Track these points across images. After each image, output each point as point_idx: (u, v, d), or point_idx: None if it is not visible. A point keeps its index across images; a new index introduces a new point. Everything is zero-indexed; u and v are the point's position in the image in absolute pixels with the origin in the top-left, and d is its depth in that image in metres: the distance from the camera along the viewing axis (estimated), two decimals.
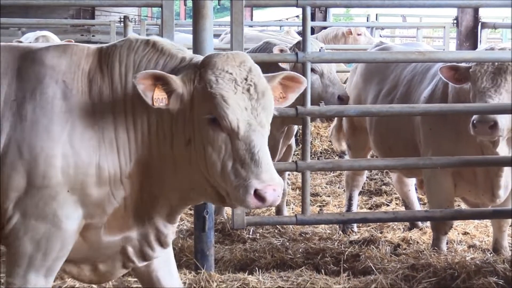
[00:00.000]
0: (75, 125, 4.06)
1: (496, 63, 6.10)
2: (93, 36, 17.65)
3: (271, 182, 3.82)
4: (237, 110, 3.89)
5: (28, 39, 13.62)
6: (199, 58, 4.16)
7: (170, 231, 4.41)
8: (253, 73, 4.00)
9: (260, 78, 4.02)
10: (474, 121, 5.92)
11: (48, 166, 4.01)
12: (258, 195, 3.81)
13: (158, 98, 3.97)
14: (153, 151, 4.15)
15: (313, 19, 16.81)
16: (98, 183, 4.10)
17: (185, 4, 7.37)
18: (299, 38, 13.71)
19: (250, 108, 3.93)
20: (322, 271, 6.28)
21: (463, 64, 6.27)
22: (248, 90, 3.95)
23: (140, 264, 4.42)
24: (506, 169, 6.38)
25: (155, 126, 4.14)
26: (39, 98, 4.08)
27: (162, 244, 4.41)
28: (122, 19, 14.23)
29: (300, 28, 18.40)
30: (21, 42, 12.81)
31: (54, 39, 13.25)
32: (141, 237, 4.33)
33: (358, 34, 14.74)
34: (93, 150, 4.08)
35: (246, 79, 3.97)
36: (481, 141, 6.18)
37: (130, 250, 4.34)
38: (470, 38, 11.89)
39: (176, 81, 4.00)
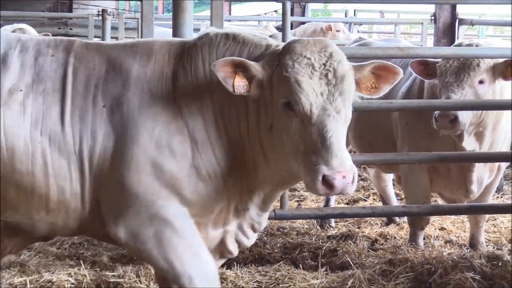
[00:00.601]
0: (164, 131, 4.03)
1: (461, 59, 6.16)
2: (70, 29, 17.56)
3: (340, 168, 3.70)
4: (311, 94, 3.83)
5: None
6: (283, 44, 4.12)
7: (263, 219, 4.39)
8: (334, 59, 3.92)
9: (341, 64, 3.93)
10: (436, 115, 5.99)
11: (142, 172, 3.98)
12: (327, 182, 3.71)
13: (238, 84, 3.93)
14: (245, 143, 4.12)
15: (291, 14, 16.81)
16: (196, 184, 4.05)
17: None
18: (277, 32, 13.74)
19: (327, 93, 3.85)
20: (300, 266, 6.30)
21: (432, 59, 6.32)
22: (326, 75, 3.87)
23: (236, 252, 4.45)
24: (478, 164, 6.44)
25: (244, 118, 4.10)
26: (126, 106, 4.03)
27: (255, 231, 4.41)
28: (100, 13, 14.24)
29: (278, 23, 18.44)
30: None
31: (31, 32, 13.18)
32: (238, 228, 4.33)
33: (337, 31, 14.77)
34: (186, 153, 4.03)
35: (325, 65, 3.89)
36: (445, 135, 6.26)
37: (228, 241, 4.33)
38: (447, 35, 11.93)
39: (256, 67, 3.95)
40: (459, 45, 6.50)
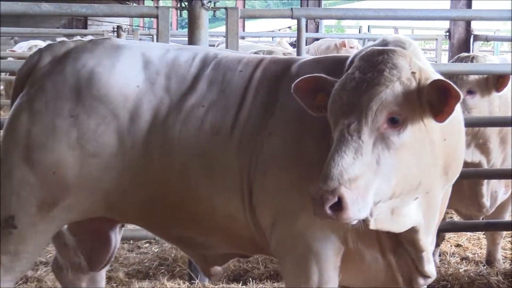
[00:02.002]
0: (312, 138, 3.80)
1: None
2: None
3: (322, 185, 3.30)
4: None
5: (22, 48, 13.65)
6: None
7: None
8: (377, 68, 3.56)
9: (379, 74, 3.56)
10: None
11: (291, 188, 3.78)
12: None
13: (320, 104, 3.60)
14: None
15: (305, 30, 16.85)
16: None
17: (180, 15, 7.35)
18: (291, 48, 13.77)
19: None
20: None
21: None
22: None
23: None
24: None
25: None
26: (285, 113, 3.88)
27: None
28: (115, 29, 14.33)
29: (292, 39, 18.48)
30: (14, 51, 12.85)
31: None
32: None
33: (351, 47, 14.77)
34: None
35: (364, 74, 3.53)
36: None
37: (395, 270, 3.93)
38: (462, 51, 11.94)
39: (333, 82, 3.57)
40: (459, 59, 6.38)
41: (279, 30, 25.03)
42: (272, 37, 19.94)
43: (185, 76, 4.10)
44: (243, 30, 23.90)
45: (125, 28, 16.53)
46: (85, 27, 24.61)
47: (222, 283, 6.14)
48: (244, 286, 6.04)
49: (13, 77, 12.61)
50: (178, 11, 6.30)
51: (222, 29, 15.02)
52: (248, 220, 3.95)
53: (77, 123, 4.01)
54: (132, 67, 4.10)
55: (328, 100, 3.48)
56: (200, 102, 4.02)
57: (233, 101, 4.01)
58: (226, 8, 6.24)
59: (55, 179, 4.02)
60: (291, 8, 6.42)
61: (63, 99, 4.05)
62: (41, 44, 13.55)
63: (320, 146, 3.71)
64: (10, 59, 12.23)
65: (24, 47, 13.59)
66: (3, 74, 13.38)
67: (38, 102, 4.09)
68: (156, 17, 6.30)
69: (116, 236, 4.53)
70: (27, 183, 4.05)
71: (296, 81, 3.59)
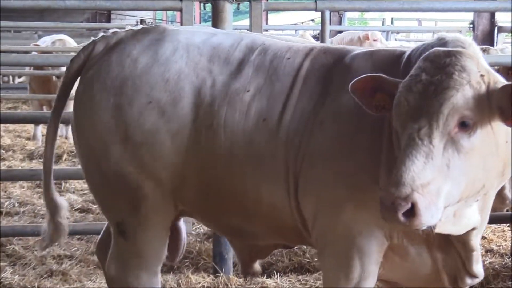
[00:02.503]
0: (365, 133, 3.76)
1: None
2: None
3: (392, 189, 3.24)
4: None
5: (45, 43, 13.71)
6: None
7: None
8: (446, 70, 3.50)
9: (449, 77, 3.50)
10: None
11: (338, 180, 3.76)
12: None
13: (379, 104, 3.55)
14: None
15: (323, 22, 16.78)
16: None
17: (204, 8, 7.32)
18: (314, 41, 13.74)
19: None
20: None
21: None
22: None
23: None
24: None
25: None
26: (336, 104, 3.83)
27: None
28: (139, 23, 14.35)
29: (315, 32, 18.43)
30: (38, 45, 12.91)
31: (71, 43, 13.34)
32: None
33: (374, 40, 14.70)
34: (379, 163, 3.69)
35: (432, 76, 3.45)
36: None
37: (441, 268, 3.89)
38: (486, 42, 11.86)
39: (395, 82, 3.48)
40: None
41: (302, 23, 24.98)
42: (295, 30, 19.88)
43: (229, 60, 4.07)
44: (266, 23, 23.85)
45: (148, 22, 16.55)
46: (109, 21, 24.59)
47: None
48: (268, 279, 6.04)
49: (37, 71, 12.76)
50: (203, 4, 6.27)
51: (244, 22, 15.00)
52: (292, 209, 3.93)
53: (122, 113, 4.01)
54: (174, 52, 4.08)
55: (388, 100, 3.46)
56: (245, 87, 3.99)
57: (280, 89, 3.97)
58: (250, 1, 6.22)
59: (125, 178, 4.05)
60: (315, 1, 6.39)
61: (108, 91, 4.05)
62: (65, 38, 13.60)
63: (372, 140, 3.70)
64: (34, 53, 12.29)
65: (48, 41, 13.63)
66: (27, 68, 13.46)
67: (86, 95, 4.12)
68: (180, 10, 6.31)
69: (184, 228, 4.53)
70: (118, 188, 4.08)
71: (354, 80, 3.55)
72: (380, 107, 3.53)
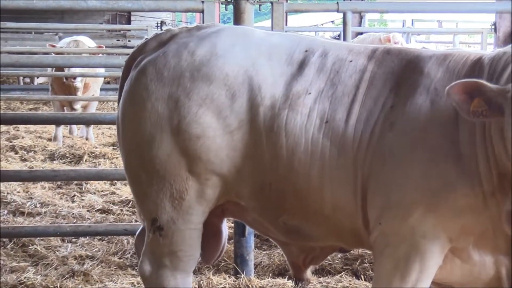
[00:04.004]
0: (438, 136, 3.75)
1: None
2: (129, 41, 17.77)
3: None
4: None
5: (60, 43, 13.81)
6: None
7: None
8: None
9: None
10: None
11: (408, 182, 3.76)
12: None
13: (477, 110, 3.55)
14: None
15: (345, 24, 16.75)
16: (456, 204, 3.69)
17: (225, 9, 7.34)
18: None
19: None
20: (362, 277, 6.26)
21: None
22: None
23: None
24: None
25: None
26: (408, 107, 3.82)
27: None
28: (159, 24, 14.39)
29: (335, 33, 18.42)
30: (54, 46, 12.98)
31: (86, 44, 13.39)
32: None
33: (395, 42, 14.69)
34: (452, 167, 3.70)
35: None
36: None
37: (503, 274, 3.87)
38: (508, 44, 11.78)
39: (493, 87, 3.53)
40: None
41: (322, 24, 24.93)
42: (315, 32, 19.88)
43: (290, 61, 4.05)
44: (286, 25, 23.84)
45: (168, 23, 16.60)
46: (129, 22, 24.74)
47: (268, 278, 6.15)
48: (289, 281, 6.03)
49: (59, 73, 12.82)
50: (224, 5, 6.27)
51: (263, 23, 14.99)
52: (358, 211, 3.91)
53: (178, 105, 4.00)
54: (233, 47, 4.07)
55: (486, 106, 3.49)
56: (307, 89, 3.98)
57: (343, 91, 3.96)
58: (271, 2, 6.21)
59: (172, 171, 4.04)
60: (337, 2, 6.37)
61: (164, 82, 4.04)
62: (82, 39, 13.66)
63: (444, 144, 3.70)
64: (52, 54, 12.36)
65: (66, 43, 13.73)
66: (49, 69, 13.52)
67: (138, 86, 4.10)
68: (202, 11, 6.31)
69: (226, 230, 4.53)
70: (162, 181, 4.08)
71: (452, 84, 3.54)
72: (478, 113, 3.53)
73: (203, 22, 6.25)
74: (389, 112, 3.85)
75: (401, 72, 3.93)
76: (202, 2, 6.23)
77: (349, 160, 3.87)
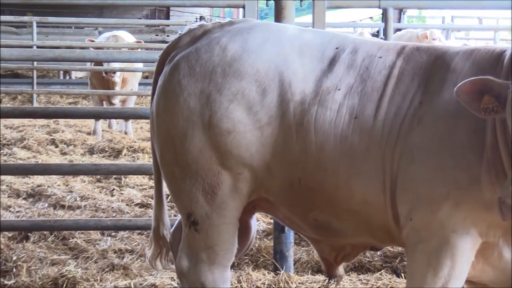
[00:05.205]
0: (465, 131, 3.77)
1: None
2: (167, 36, 17.84)
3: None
4: None
5: (99, 38, 13.91)
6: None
7: None
8: None
9: None
10: None
11: (437, 177, 3.77)
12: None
13: (487, 107, 3.56)
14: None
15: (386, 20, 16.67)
16: (483, 197, 3.68)
17: (266, 5, 7.35)
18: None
19: None
20: (402, 275, 6.22)
21: None
22: None
23: None
24: None
25: None
26: (436, 102, 3.85)
27: None
28: (198, 19, 14.42)
29: (374, 29, 18.35)
30: (93, 41, 13.08)
31: (125, 39, 13.46)
32: None
33: (433, 39, 14.57)
34: (479, 161, 3.70)
35: None
36: None
37: None
38: None
39: (503, 84, 3.54)
40: None
41: (360, 20, 24.82)
42: (353, 28, 19.80)
43: (320, 57, 4.07)
44: None
45: (207, 19, 16.64)
46: (168, 17, 24.82)
47: (307, 274, 6.14)
48: (327, 278, 6.00)
49: (98, 67, 12.93)
50: (262, 1, 6.28)
51: (302, 19, 14.95)
52: (387, 207, 3.92)
53: (209, 100, 4.02)
54: (264, 43, 4.09)
55: (496, 102, 3.50)
56: (336, 85, 4.00)
57: (372, 87, 3.97)
58: None
59: (203, 165, 4.06)
60: None
61: (196, 78, 4.07)
62: (120, 34, 13.73)
63: (472, 138, 3.71)
64: (90, 49, 12.45)
65: (103, 37, 13.83)
66: (88, 64, 13.62)
67: (171, 81, 4.13)
68: (243, 7, 6.32)
69: (255, 225, 4.55)
70: (195, 176, 4.10)
71: (460, 84, 3.56)
72: (489, 110, 3.54)
73: (244, 17, 6.26)
74: (417, 107, 3.86)
75: (429, 68, 3.95)
76: None
77: (377, 155, 3.88)
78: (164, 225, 4.50)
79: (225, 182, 4.07)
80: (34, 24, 15.73)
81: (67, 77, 20.54)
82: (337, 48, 4.10)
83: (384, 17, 6.53)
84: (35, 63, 15.36)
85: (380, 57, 4.04)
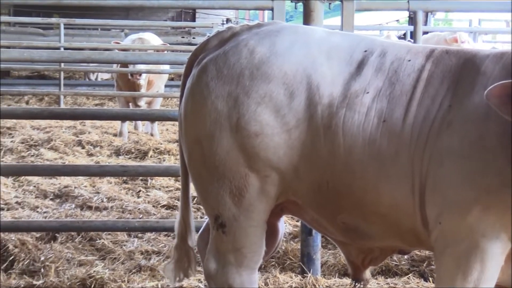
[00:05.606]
0: (496, 135, 3.74)
1: None
2: (193, 38, 17.92)
3: None
4: None
5: (126, 41, 13.97)
6: None
7: None
8: None
9: None
10: None
11: (466, 181, 3.75)
12: None
13: None
14: None
15: (413, 23, 16.61)
16: None
17: (295, 7, 7.34)
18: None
19: None
20: (430, 279, 6.19)
21: None
22: None
23: None
24: None
25: None
26: (466, 105, 3.85)
27: None
28: (225, 22, 14.45)
29: (400, 32, 18.26)
30: (118, 43, 13.14)
31: (151, 42, 13.51)
32: None
33: (462, 42, 14.48)
34: (509, 165, 3.69)
35: None
36: None
37: None
38: None
39: None
40: None
41: (387, 23, 24.76)
42: (380, 30, 19.74)
43: (349, 60, 4.07)
44: None
45: (234, 21, 16.66)
46: (194, 19, 24.86)
47: (334, 277, 6.12)
48: (353, 281, 5.97)
49: (124, 69, 12.98)
50: (291, 3, 6.28)
51: (329, 21, 14.91)
52: (416, 210, 3.91)
53: (237, 103, 4.03)
54: (292, 45, 4.09)
55: None
56: (365, 88, 3.99)
57: (401, 91, 3.96)
58: (341, 1, 6.17)
59: (231, 168, 4.07)
60: (408, 1, 6.31)
61: (224, 80, 4.07)
62: (147, 36, 13.78)
63: (502, 142, 3.69)
64: (115, 50, 12.48)
65: (129, 39, 13.89)
66: (114, 66, 13.68)
67: (199, 84, 4.14)
68: (271, 9, 6.31)
69: (282, 228, 4.55)
70: (222, 178, 4.11)
71: (490, 87, 3.55)
72: None
73: (273, 19, 6.25)
74: (446, 111, 3.85)
75: (459, 71, 3.94)
76: (272, 0, 6.22)
77: (406, 159, 3.87)
78: (190, 229, 4.50)
79: (252, 185, 4.07)
80: (62, 26, 15.81)
81: (91, 78, 20.65)
82: (365, 51, 4.09)
83: (413, 20, 6.49)
84: (62, 64, 15.44)
85: (409, 60, 4.03)
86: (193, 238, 4.49)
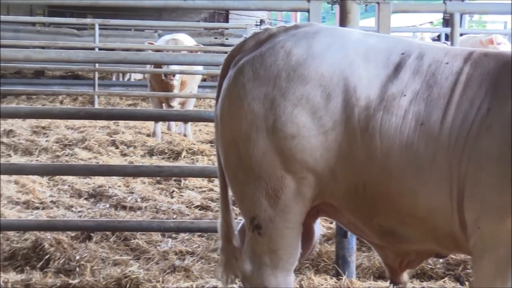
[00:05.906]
0: None
1: None
2: (226, 39, 17.95)
3: None
4: None
5: (159, 41, 14.02)
6: None
7: None
8: None
9: None
10: None
11: (506, 185, 3.74)
12: None
13: None
14: None
15: (447, 25, 16.52)
16: None
17: (332, 9, 7.33)
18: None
19: None
20: (466, 283, 6.15)
21: None
22: None
23: None
24: None
25: None
26: (505, 109, 3.82)
27: None
28: (259, 23, 14.48)
29: (434, 34, 18.16)
30: (152, 43, 13.20)
31: (184, 42, 13.54)
32: None
33: (498, 43, 14.36)
34: None
35: None
36: None
37: None
38: None
39: None
40: None
41: (420, 25, 24.62)
42: (413, 32, 19.63)
43: (386, 62, 4.04)
44: None
45: (267, 22, 16.68)
46: (227, 20, 24.90)
47: (369, 280, 6.09)
48: (391, 284, 5.95)
49: (157, 69, 13.03)
50: (327, 5, 6.27)
51: (365, 22, 14.89)
52: (453, 214, 3.88)
53: (273, 105, 4.02)
54: (329, 47, 4.08)
55: None
56: (402, 91, 3.97)
57: (439, 94, 3.94)
58: (378, 2, 6.14)
59: (267, 169, 4.06)
60: (445, 2, 6.26)
61: (260, 82, 4.07)
62: (181, 37, 13.82)
63: None
64: (149, 51, 12.53)
65: (163, 40, 13.94)
66: (148, 66, 13.73)
67: (236, 85, 4.13)
68: (307, 11, 6.29)
69: (318, 230, 4.54)
70: (258, 179, 4.10)
71: None
72: None
73: (308, 21, 6.24)
74: (485, 114, 3.82)
75: (498, 74, 3.90)
76: (308, 1, 6.20)
77: (444, 162, 3.84)
78: (233, 229, 4.48)
79: (288, 187, 4.06)
80: (97, 27, 15.90)
81: (123, 79, 20.76)
82: (402, 53, 4.06)
83: (449, 22, 6.44)
84: (96, 65, 15.53)
85: (447, 63, 4.00)
86: (237, 238, 4.48)
